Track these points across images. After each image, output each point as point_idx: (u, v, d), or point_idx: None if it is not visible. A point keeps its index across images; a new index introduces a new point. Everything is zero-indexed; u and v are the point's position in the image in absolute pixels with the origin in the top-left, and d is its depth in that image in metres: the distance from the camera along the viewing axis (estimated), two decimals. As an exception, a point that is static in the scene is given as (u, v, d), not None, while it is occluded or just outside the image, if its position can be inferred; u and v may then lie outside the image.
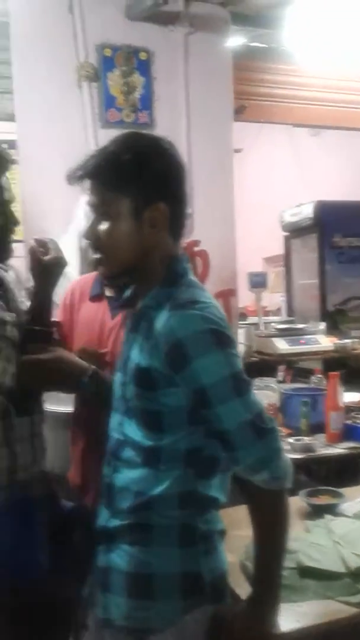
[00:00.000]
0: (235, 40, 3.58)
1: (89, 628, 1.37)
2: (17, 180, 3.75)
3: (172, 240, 1.30)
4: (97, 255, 1.30)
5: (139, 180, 1.23)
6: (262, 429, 1.17)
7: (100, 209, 1.26)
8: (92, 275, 1.89)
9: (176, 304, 1.20)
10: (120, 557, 1.25)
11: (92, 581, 1.34)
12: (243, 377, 1.20)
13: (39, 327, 1.63)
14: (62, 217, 2.76)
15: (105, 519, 1.30)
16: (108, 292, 1.80)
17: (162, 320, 1.20)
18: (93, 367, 1.57)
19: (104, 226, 1.26)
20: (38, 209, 2.99)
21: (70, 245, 2.65)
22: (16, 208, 1.68)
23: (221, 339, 1.18)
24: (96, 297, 1.82)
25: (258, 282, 4.08)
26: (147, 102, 3.24)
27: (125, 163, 1.22)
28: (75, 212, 2.57)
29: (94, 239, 1.28)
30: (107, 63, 3.17)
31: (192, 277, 1.31)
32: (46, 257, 1.64)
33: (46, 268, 1.63)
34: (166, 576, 1.23)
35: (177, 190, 1.28)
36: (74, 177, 1.27)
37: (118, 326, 1.72)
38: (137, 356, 1.26)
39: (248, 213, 4.74)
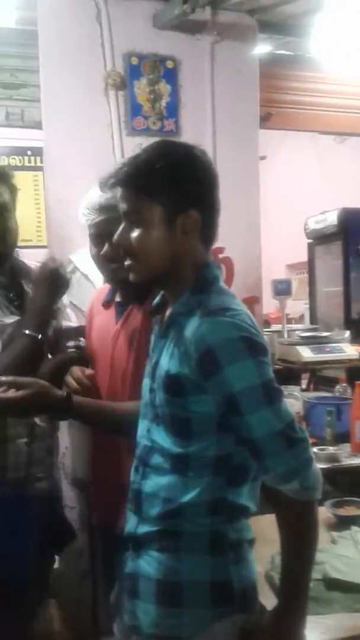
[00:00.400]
0: (261, 48, 3.57)
1: (115, 635, 1.37)
2: (40, 186, 3.81)
3: (203, 247, 1.30)
4: (128, 262, 1.31)
5: (172, 187, 1.23)
6: (293, 438, 1.17)
7: (132, 217, 1.26)
8: None
9: (207, 310, 1.20)
10: (148, 564, 1.25)
11: (119, 587, 1.34)
12: (274, 386, 1.19)
13: (27, 330, 1.73)
14: (88, 224, 2.76)
15: (133, 525, 1.30)
16: (117, 298, 1.82)
17: (192, 326, 1.20)
18: (67, 398, 1.52)
19: (135, 233, 1.26)
20: (63, 216, 3.00)
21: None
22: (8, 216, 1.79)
23: (252, 347, 1.18)
24: (107, 304, 1.84)
25: (282, 290, 4.05)
26: (173, 110, 3.24)
27: (158, 170, 1.22)
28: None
29: (125, 246, 1.28)
30: (134, 71, 3.18)
31: (223, 284, 1.30)
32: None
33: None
34: (195, 584, 1.22)
35: (209, 197, 1.29)
36: (107, 185, 1.28)
37: (119, 330, 1.74)
38: (166, 363, 1.26)
39: (271, 220, 4.71)
